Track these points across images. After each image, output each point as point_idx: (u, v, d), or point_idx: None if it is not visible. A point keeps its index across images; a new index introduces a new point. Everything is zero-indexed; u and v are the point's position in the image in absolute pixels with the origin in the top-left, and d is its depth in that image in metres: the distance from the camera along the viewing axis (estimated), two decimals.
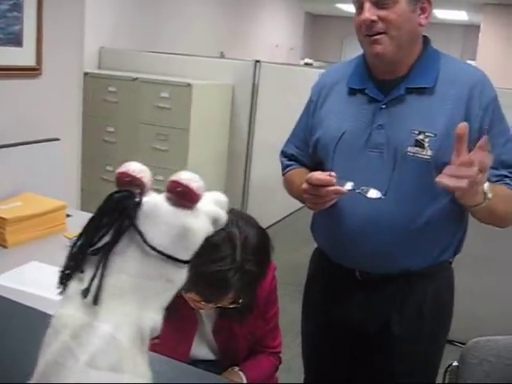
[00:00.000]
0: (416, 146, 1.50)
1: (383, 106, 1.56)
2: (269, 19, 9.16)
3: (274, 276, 1.66)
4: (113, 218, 0.64)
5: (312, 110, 1.75)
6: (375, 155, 1.56)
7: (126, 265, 0.64)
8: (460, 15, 10.52)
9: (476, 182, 1.31)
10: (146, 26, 5.66)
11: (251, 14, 8.48)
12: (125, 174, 0.65)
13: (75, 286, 0.64)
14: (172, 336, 1.54)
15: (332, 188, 1.47)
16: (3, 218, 2.07)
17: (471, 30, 10.94)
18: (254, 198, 4.94)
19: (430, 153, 1.49)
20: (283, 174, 1.87)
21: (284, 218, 5.55)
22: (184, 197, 0.65)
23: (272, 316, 1.69)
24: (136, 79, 4.28)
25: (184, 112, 4.11)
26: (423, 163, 1.50)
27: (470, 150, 1.42)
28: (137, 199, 0.64)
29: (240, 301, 1.45)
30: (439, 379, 1.71)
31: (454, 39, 11.34)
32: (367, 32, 1.51)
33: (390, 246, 1.56)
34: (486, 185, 1.41)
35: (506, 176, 1.55)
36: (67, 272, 0.64)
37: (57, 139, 2.72)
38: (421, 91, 1.55)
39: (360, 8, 1.52)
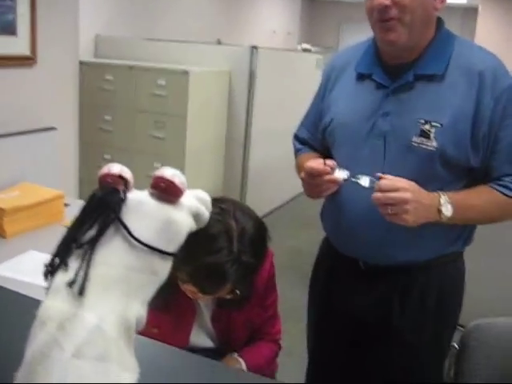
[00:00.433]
0: (421, 135, 1.45)
1: (390, 93, 1.51)
2: (266, 5, 9.11)
3: (271, 263, 1.65)
4: (98, 213, 0.66)
5: (322, 93, 1.72)
6: (379, 143, 1.51)
7: (111, 257, 0.65)
8: None
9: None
10: (142, 12, 5.62)
11: (248, 0, 8.42)
12: (107, 175, 0.67)
13: (61, 278, 0.64)
14: (170, 325, 1.54)
15: (327, 177, 1.45)
16: (1, 209, 2.07)
17: (469, 12, 10.87)
18: (253, 184, 4.94)
19: (435, 144, 1.43)
20: (295, 158, 1.85)
21: (283, 204, 5.56)
22: (167, 191, 0.69)
23: (271, 303, 1.69)
24: (132, 67, 4.26)
25: (181, 99, 4.10)
26: (428, 154, 1.44)
27: (478, 144, 1.43)
28: (121, 195, 0.66)
29: (237, 292, 1.45)
30: None
31: (452, 22, 11.21)
32: (380, 17, 1.43)
33: (392, 237, 1.52)
34: (443, 200, 1.41)
35: (508, 175, 1.49)
36: (53, 265, 0.65)
37: (53, 128, 2.71)
38: (430, 78, 1.47)
39: None
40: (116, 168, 0.68)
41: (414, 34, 1.45)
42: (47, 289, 0.65)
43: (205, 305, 1.61)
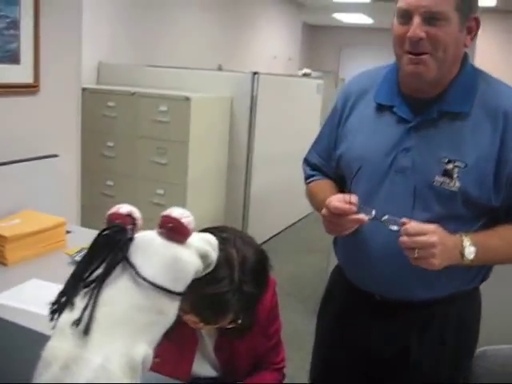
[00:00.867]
0: (444, 175, 1.41)
1: (412, 128, 1.46)
2: (266, 30, 9.19)
3: (274, 292, 1.63)
4: (106, 252, 0.66)
5: (337, 119, 1.65)
6: (399, 179, 1.47)
7: (117, 296, 0.65)
8: None
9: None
10: (144, 39, 5.68)
11: (248, 26, 8.51)
12: (115, 215, 0.68)
13: (67, 317, 0.64)
14: (173, 354, 1.52)
15: (352, 217, 1.39)
16: (3, 236, 2.06)
17: None
18: (255, 209, 4.93)
19: (458, 184, 1.40)
20: (306, 183, 1.78)
21: (284, 229, 5.54)
22: (175, 231, 0.70)
23: (274, 332, 1.67)
24: (134, 93, 4.28)
25: (183, 125, 4.12)
26: (449, 194, 1.41)
27: (501, 185, 1.40)
28: (129, 234, 0.67)
29: (239, 321, 1.43)
30: None
31: None
32: (412, 49, 1.38)
33: (411, 274, 1.45)
34: (467, 243, 1.37)
35: None
36: (59, 303, 0.65)
37: (55, 155, 2.72)
38: (455, 116, 1.43)
39: (405, 17, 1.38)
40: (125, 208, 0.69)
41: (443, 69, 1.41)
42: (52, 328, 0.65)
43: (207, 334, 1.60)
